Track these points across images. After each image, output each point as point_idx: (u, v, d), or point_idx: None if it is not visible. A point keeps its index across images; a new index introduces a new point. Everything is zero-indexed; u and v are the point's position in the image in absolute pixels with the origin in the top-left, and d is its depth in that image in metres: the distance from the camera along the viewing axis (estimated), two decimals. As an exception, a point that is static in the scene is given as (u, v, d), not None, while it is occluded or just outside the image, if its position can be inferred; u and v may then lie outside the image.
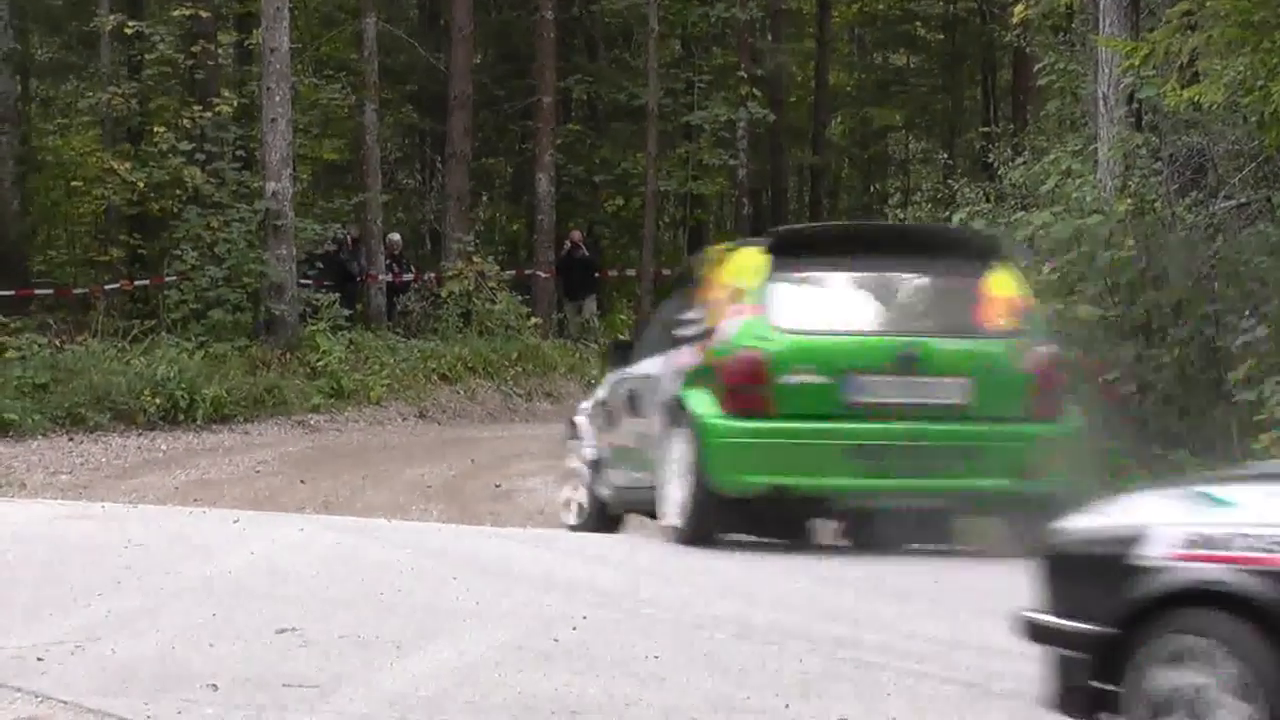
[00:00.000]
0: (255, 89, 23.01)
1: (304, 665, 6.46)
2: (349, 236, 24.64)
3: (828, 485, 9.10)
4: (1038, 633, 5.56)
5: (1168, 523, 5.39)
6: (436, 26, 30.02)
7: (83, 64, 27.09)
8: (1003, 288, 9.42)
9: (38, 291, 21.98)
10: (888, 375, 9.07)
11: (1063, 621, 5.47)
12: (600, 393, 11.35)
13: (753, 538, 9.69)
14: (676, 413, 9.39)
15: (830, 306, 9.46)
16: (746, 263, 9.62)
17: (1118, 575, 5.32)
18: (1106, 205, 12.01)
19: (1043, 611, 5.53)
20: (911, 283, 9.80)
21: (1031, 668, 5.49)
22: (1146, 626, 5.22)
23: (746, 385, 9.06)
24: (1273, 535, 5.11)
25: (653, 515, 9.90)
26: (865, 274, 9.64)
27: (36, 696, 6.06)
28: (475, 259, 24.77)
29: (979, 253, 9.75)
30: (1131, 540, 5.35)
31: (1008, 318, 9.32)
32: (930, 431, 9.03)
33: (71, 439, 16.88)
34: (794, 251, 9.67)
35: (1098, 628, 5.33)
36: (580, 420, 11.36)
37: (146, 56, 23.79)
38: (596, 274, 27.46)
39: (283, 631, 6.95)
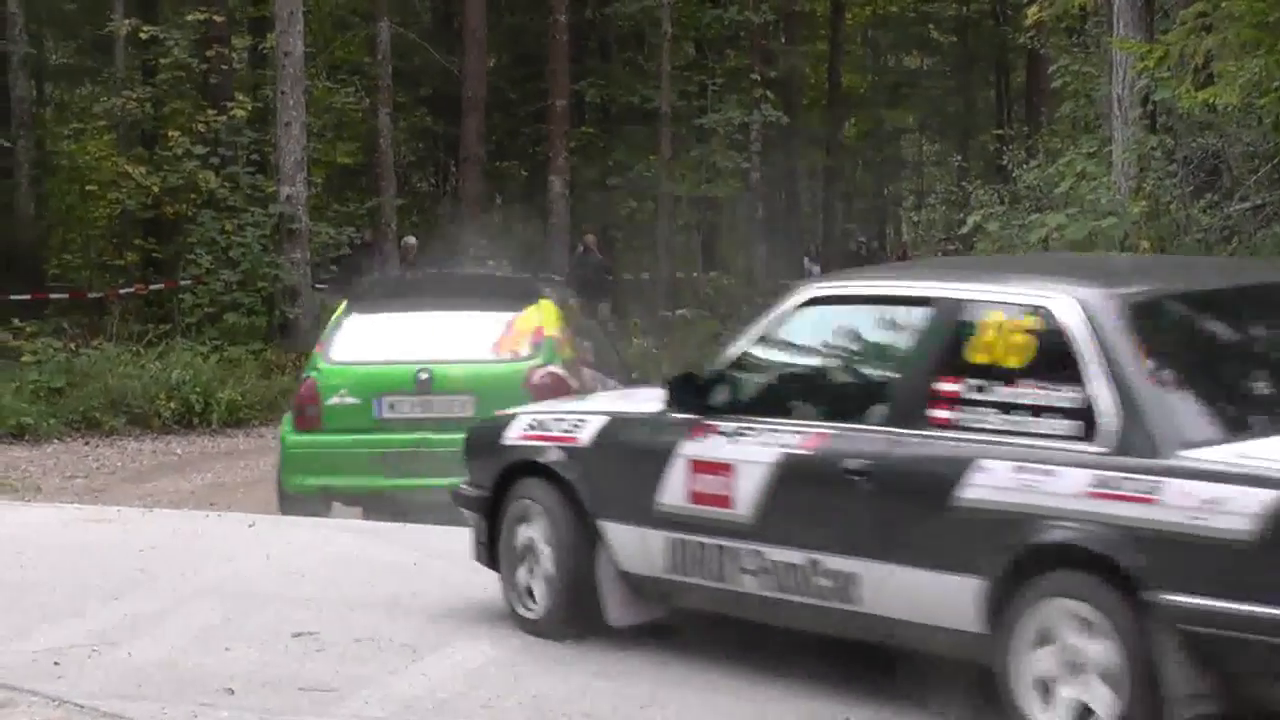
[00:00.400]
0: (269, 93, 23.00)
1: (320, 669, 6.48)
2: (363, 240, 24.65)
3: (360, 486, 11.04)
4: (458, 499, 7.19)
5: (527, 410, 7.09)
6: (450, 30, 30.03)
7: (97, 68, 27.11)
8: (528, 322, 11.30)
9: (53, 295, 21.95)
10: (407, 395, 10.98)
11: (468, 490, 7.10)
12: None
13: None
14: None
15: (374, 342, 11.33)
16: (338, 308, 11.94)
17: (493, 453, 6.98)
18: (1121, 207, 11.98)
19: (465, 484, 7.16)
20: (446, 320, 11.50)
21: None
22: (505, 493, 6.82)
23: (305, 406, 11.15)
24: (575, 418, 6.67)
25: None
26: (412, 314, 11.58)
27: (53, 700, 6.09)
28: (489, 262, 24.73)
29: (518, 295, 11.73)
30: (505, 425, 6.99)
31: (521, 345, 11.17)
32: (438, 440, 10.55)
33: (87, 443, 16.88)
34: (365, 298, 12.02)
35: (484, 494, 6.94)
36: None
37: (161, 61, 23.78)
38: (610, 277, 27.42)
39: (299, 635, 6.97)
